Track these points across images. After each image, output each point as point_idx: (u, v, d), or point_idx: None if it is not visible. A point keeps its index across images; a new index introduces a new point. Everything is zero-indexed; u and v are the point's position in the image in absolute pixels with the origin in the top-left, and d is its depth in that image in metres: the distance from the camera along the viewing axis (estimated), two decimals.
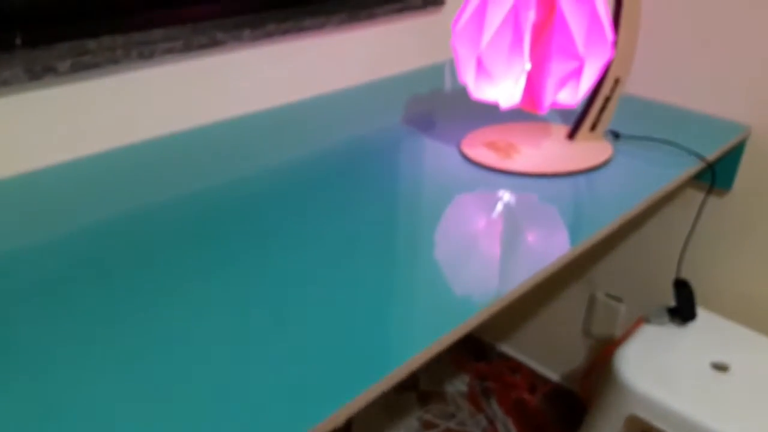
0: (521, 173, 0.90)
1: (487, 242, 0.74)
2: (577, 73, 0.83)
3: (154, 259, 0.70)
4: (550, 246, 0.73)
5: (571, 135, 1.00)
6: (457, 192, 0.85)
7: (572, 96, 0.86)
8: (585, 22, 0.81)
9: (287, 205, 0.81)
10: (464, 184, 0.87)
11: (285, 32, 1.04)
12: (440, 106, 1.14)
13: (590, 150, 0.97)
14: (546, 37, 0.81)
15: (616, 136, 1.03)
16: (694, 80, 1.16)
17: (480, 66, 0.84)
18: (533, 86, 0.84)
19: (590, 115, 0.98)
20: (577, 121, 1.00)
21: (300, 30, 1.06)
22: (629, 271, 1.38)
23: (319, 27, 1.08)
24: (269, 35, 1.02)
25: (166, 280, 0.67)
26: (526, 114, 1.12)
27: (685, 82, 1.17)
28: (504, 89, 0.85)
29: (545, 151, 0.96)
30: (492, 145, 0.97)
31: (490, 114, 1.12)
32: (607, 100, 0.98)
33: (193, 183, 0.86)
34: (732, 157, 1.15)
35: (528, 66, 0.83)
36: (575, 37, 0.81)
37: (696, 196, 1.23)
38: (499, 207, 0.81)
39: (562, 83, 0.83)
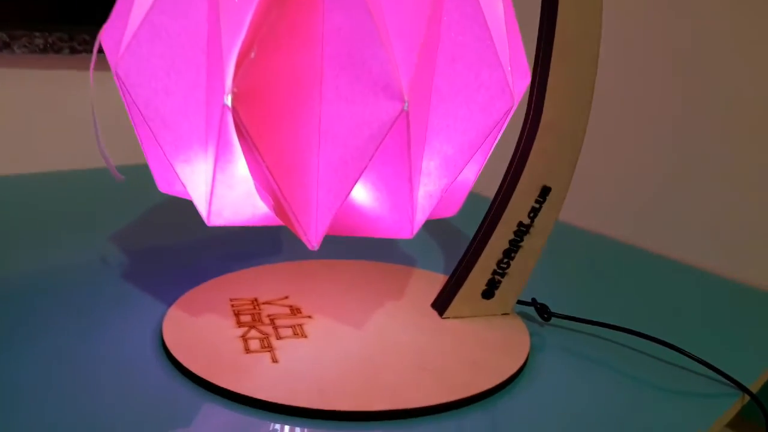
0: (287, 407, 0.33)
1: None
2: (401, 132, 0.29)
3: None
4: None
5: (440, 305, 0.45)
6: None
7: (395, 211, 0.31)
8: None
9: None
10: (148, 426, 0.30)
11: None
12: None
13: (480, 342, 0.41)
14: (309, 36, 0.27)
15: (543, 313, 0.47)
16: (711, 218, 0.63)
17: (150, 111, 0.30)
18: (275, 169, 0.29)
19: (481, 264, 0.43)
20: (453, 276, 0.45)
21: None
22: None
23: None
24: None
25: None
26: (360, 242, 0.57)
27: (695, 218, 0.64)
28: (198, 173, 0.31)
29: (372, 338, 0.40)
30: (244, 313, 0.42)
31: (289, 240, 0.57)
32: (526, 230, 0.44)
33: None
34: None
35: (229, 98, 0.28)
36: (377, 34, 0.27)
37: None
38: None
39: (351, 165, 0.28)
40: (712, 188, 0.63)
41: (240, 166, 0.29)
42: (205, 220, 0.31)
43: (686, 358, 0.43)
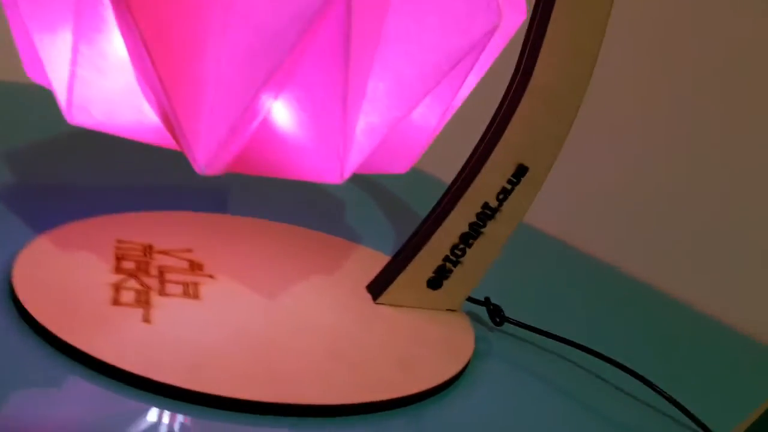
0: (145, 380, 0.26)
1: None
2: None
3: None
4: None
5: (376, 288, 0.37)
6: None
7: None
8: None
9: None
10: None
11: None
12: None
13: (415, 337, 0.33)
14: None
15: (495, 316, 0.40)
16: (702, 255, 0.57)
17: None
18: (156, 49, 0.21)
19: (431, 246, 0.36)
20: (396, 256, 0.37)
21: None
22: None
23: None
24: None
25: None
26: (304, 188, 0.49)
27: (688, 248, 0.58)
28: (62, 48, 0.23)
29: (283, 313, 0.32)
30: (129, 258, 0.34)
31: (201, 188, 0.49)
32: (491, 213, 0.36)
33: None
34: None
35: None
36: None
37: None
38: None
39: (261, 57, 0.20)
40: (708, 216, 0.57)
41: (117, 43, 0.21)
42: (65, 115, 0.23)
43: (652, 392, 0.36)
